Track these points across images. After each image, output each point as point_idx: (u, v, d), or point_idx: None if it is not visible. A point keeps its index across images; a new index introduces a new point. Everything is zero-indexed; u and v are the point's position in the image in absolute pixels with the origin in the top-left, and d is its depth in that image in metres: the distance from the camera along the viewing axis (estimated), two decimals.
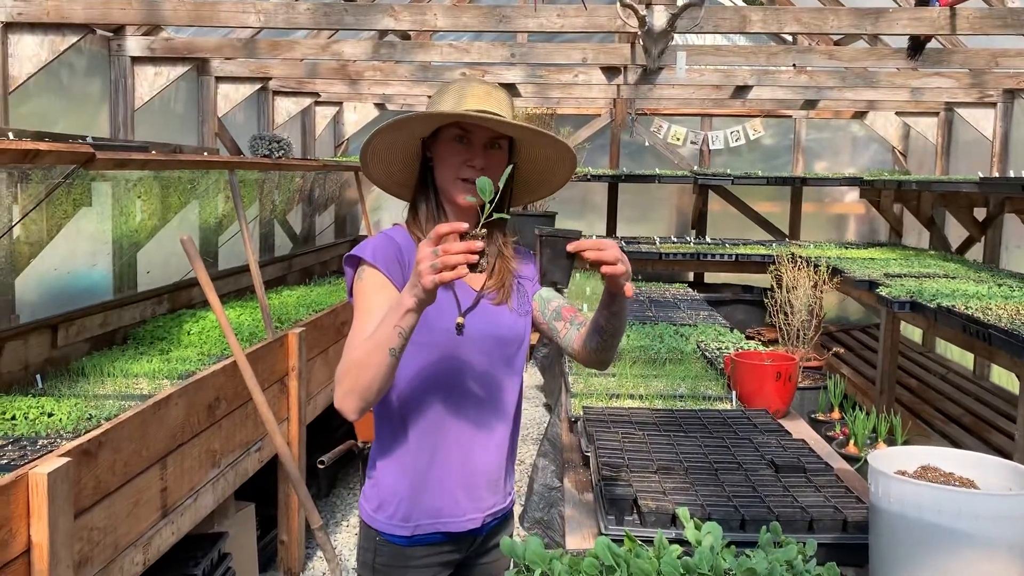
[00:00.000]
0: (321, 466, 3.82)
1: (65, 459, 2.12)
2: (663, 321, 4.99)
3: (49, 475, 2.03)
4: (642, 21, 3.39)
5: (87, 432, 2.75)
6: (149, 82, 4.75)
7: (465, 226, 1.51)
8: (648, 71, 5.30)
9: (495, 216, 1.61)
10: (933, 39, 4.08)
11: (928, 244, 7.67)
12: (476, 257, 1.50)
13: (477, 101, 1.80)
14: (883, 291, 5.03)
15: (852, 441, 5.04)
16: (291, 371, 3.79)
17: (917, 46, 3.88)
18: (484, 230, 1.56)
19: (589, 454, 2.73)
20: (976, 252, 6.99)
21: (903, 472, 1.84)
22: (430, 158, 1.88)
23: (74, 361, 4.01)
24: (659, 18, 3.36)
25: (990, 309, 4.23)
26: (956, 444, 5.11)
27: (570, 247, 1.63)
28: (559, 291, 1.85)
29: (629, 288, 1.66)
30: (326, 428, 4.68)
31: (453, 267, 1.48)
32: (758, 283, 8.54)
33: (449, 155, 1.82)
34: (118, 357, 4.14)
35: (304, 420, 3.95)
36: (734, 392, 3.38)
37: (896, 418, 4.91)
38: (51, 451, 2.55)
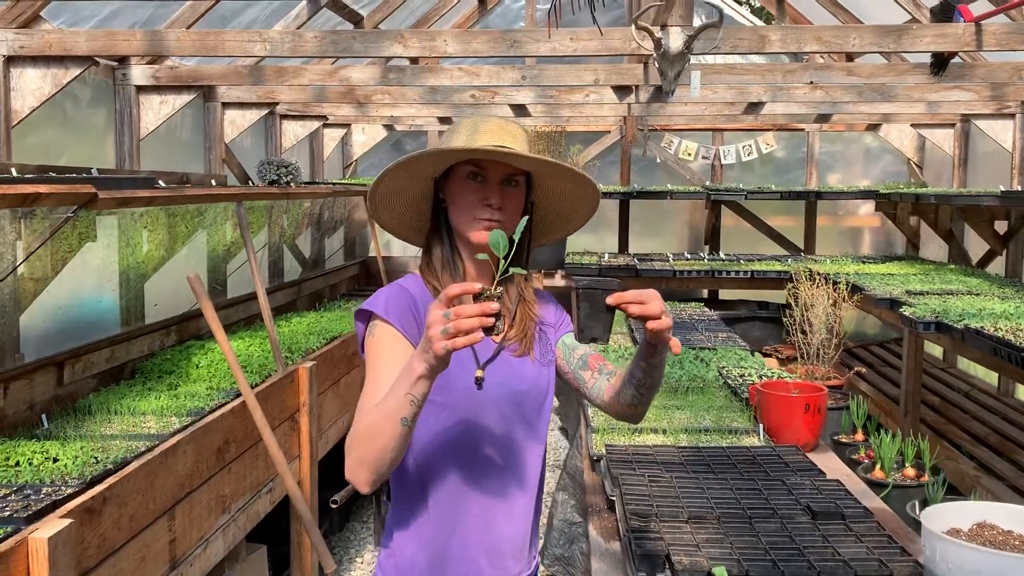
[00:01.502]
0: (334, 505, 3.70)
1: (67, 520, 2.02)
2: (682, 345, 4.87)
3: (50, 540, 1.93)
4: (658, 43, 3.30)
5: (92, 480, 2.66)
6: (155, 111, 4.68)
7: (478, 287, 1.40)
8: (660, 90, 5.20)
9: (511, 271, 1.51)
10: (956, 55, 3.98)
11: (947, 258, 7.53)
12: (492, 320, 1.39)
13: (491, 136, 1.70)
14: (907, 311, 4.90)
15: (878, 466, 4.90)
16: (302, 407, 3.69)
17: (941, 63, 3.77)
18: (500, 288, 1.44)
19: (614, 498, 2.62)
20: (997, 266, 6.85)
21: (957, 531, 1.73)
22: (443, 199, 1.78)
23: (80, 399, 3.93)
24: (675, 40, 3.26)
25: (1021, 330, 4.10)
26: (985, 467, 4.96)
27: (610, 300, 1.52)
28: (598, 347, 1.73)
29: (676, 343, 1.54)
30: (338, 461, 4.57)
31: (467, 332, 1.38)
32: (774, 299, 8.42)
33: (463, 194, 1.72)
34: (125, 393, 4.05)
35: (316, 457, 3.84)
36: (761, 425, 3.27)
37: (924, 442, 4.77)
38: (55, 500, 2.46)
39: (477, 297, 1.41)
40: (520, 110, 6.14)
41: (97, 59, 3.94)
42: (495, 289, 1.42)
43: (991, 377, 6.83)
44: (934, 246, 8.13)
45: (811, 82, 4.54)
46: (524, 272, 1.58)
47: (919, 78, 4.52)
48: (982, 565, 1.53)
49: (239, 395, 3.26)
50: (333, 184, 6.59)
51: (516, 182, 1.73)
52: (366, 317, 1.72)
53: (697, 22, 3.34)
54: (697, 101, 5.61)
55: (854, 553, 2.09)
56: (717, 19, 3.25)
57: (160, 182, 4.72)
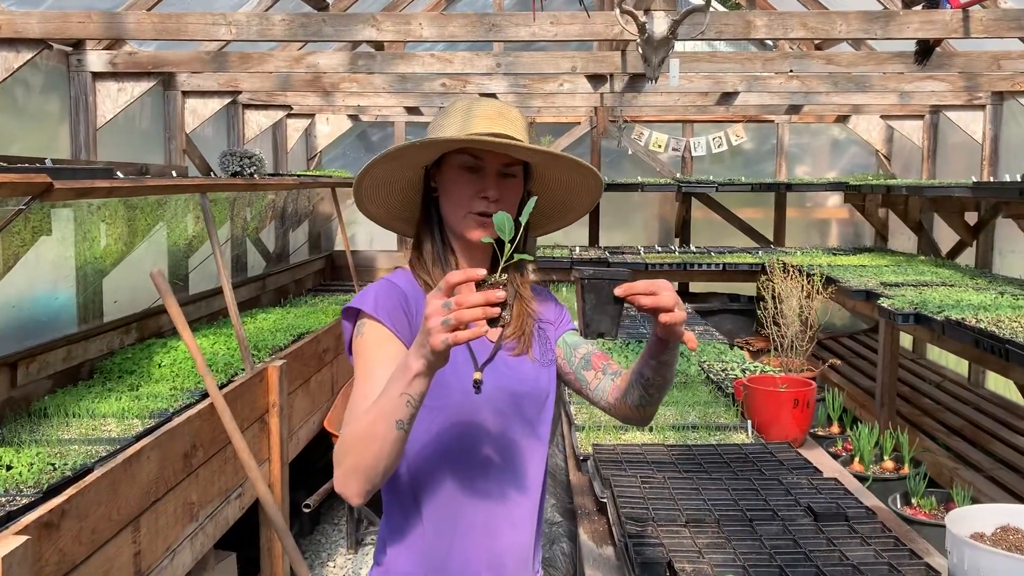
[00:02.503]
0: (307, 509, 3.56)
1: (22, 538, 1.86)
2: None
3: (4, 559, 1.77)
4: (642, 28, 3.19)
5: (49, 489, 2.49)
6: (112, 99, 4.47)
7: (482, 273, 1.27)
8: (635, 78, 5.10)
9: (516, 257, 1.38)
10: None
11: (917, 249, 7.55)
12: (497, 311, 1.26)
13: (488, 123, 1.58)
14: (884, 303, 4.86)
15: (857, 459, 4.86)
16: (272, 407, 3.53)
17: (926, 51, 3.71)
18: (505, 275, 1.31)
19: (605, 500, 2.51)
20: (967, 257, 6.87)
21: (981, 535, 1.64)
22: (434, 188, 1.65)
23: (36, 401, 3.73)
24: (660, 25, 3.16)
25: (1001, 321, 4.08)
26: (962, 459, 4.95)
27: (618, 291, 1.39)
28: (605, 342, 1.60)
29: (691, 338, 1.43)
30: (309, 462, 4.42)
31: (469, 324, 1.25)
32: (744, 291, 8.39)
33: (457, 186, 1.59)
34: (84, 395, 3.86)
35: (287, 459, 3.69)
36: (749, 421, 3.18)
37: (903, 435, 4.74)
38: (9, 512, 2.29)
39: (480, 285, 1.28)
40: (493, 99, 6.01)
41: (50, 42, 3.72)
42: (500, 276, 1.30)
43: (961, 367, 6.86)
44: (903, 237, 8.16)
45: (791, 71, 4.47)
46: (529, 258, 1.45)
47: (898, 67, 4.47)
48: (1013, 571, 1.44)
49: (204, 395, 3.10)
50: (299, 176, 6.40)
51: (514, 173, 1.61)
52: (354, 315, 1.59)
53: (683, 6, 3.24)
54: (671, 91, 5.52)
55: (862, 557, 2.00)
56: (703, 3, 3.15)
57: (119, 173, 4.52)
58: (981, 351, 4.00)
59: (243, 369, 3.66)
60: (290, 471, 3.89)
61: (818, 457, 3.07)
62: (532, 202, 1.41)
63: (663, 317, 1.40)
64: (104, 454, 3.06)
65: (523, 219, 1.39)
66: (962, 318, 4.17)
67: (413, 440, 1.57)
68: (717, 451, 2.81)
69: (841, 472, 2.79)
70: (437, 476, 1.57)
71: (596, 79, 5.03)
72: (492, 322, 1.29)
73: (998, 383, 6.37)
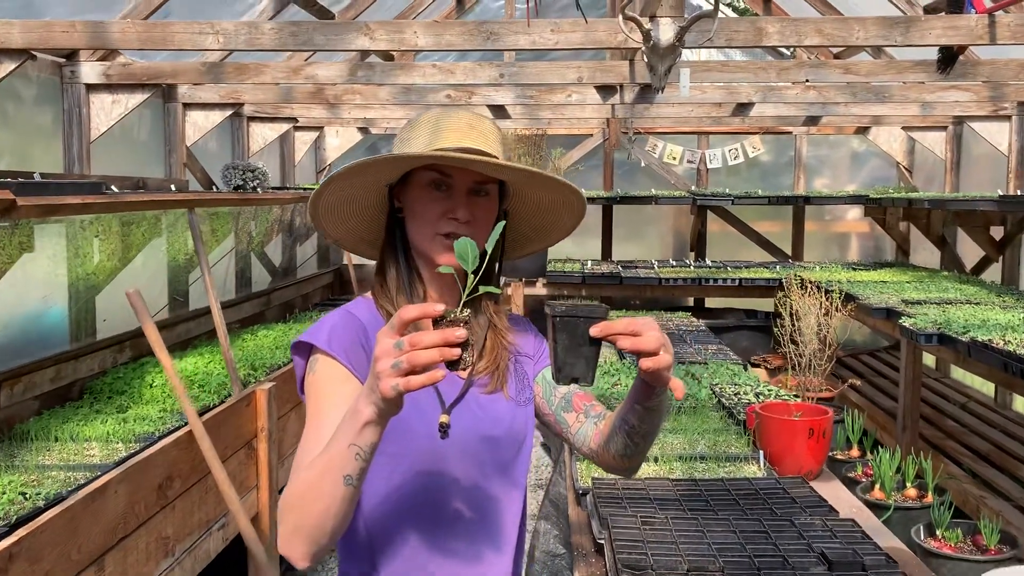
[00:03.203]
0: None
1: None
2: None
3: None
4: (647, 36, 3.02)
5: (17, 522, 2.34)
6: (106, 111, 4.36)
7: (439, 308, 1.12)
8: (646, 89, 4.94)
9: (481, 290, 1.21)
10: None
11: (940, 264, 7.31)
12: (457, 352, 1.11)
13: (457, 136, 1.41)
14: (906, 322, 4.65)
15: (878, 485, 4.64)
16: (260, 432, 3.38)
17: (949, 58, 3.53)
18: (468, 311, 1.15)
19: (603, 541, 2.33)
20: (993, 273, 6.63)
21: None
22: (399, 209, 1.49)
23: (19, 424, 3.60)
24: (666, 32, 2.99)
25: None
26: (988, 485, 4.72)
27: (594, 331, 1.22)
28: (580, 387, 1.43)
29: (679, 386, 1.26)
30: None
31: (424, 368, 1.09)
32: (761, 307, 8.17)
33: (424, 206, 1.43)
34: (70, 417, 3.73)
35: (276, 486, 3.53)
36: (761, 452, 2.99)
37: (927, 461, 4.52)
38: None
39: (439, 322, 1.12)
40: (499, 112, 5.86)
41: (34, 52, 3.61)
42: (461, 311, 1.14)
43: (987, 388, 6.61)
44: (925, 252, 7.92)
45: (807, 80, 4.29)
46: (496, 292, 1.29)
47: (920, 76, 4.28)
48: None
49: (186, 428, 2.94)
50: (302, 189, 6.27)
51: (486, 191, 1.44)
52: (306, 351, 1.43)
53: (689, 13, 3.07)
54: (684, 102, 5.35)
55: None
56: (711, 9, 2.98)
57: (112, 187, 4.40)
58: (1009, 375, 3.79)
59: (231, 392, 3.51)
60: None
61: (834, 492, 2.87)
62: (499, 228, 1.24)
63: (645, 363, 1.23)
64: (83, 481, 2.92)
65: (489, 246, 1.22)
66: (989, 339, 3.95)
67: (371, 492, 1.40)
68: (725, 486, 2.62)
69: (859, 509, 2.60)
70: (398, 533, 1.40)
71: (605, 89, 4.87)
72: (452, 365, 1.13)
73: None
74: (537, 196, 1.50)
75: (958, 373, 7.10)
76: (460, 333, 1.10)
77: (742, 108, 5.95)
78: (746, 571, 2.04)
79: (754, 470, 2.89)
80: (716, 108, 6.10)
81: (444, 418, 1.39)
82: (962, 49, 3.40)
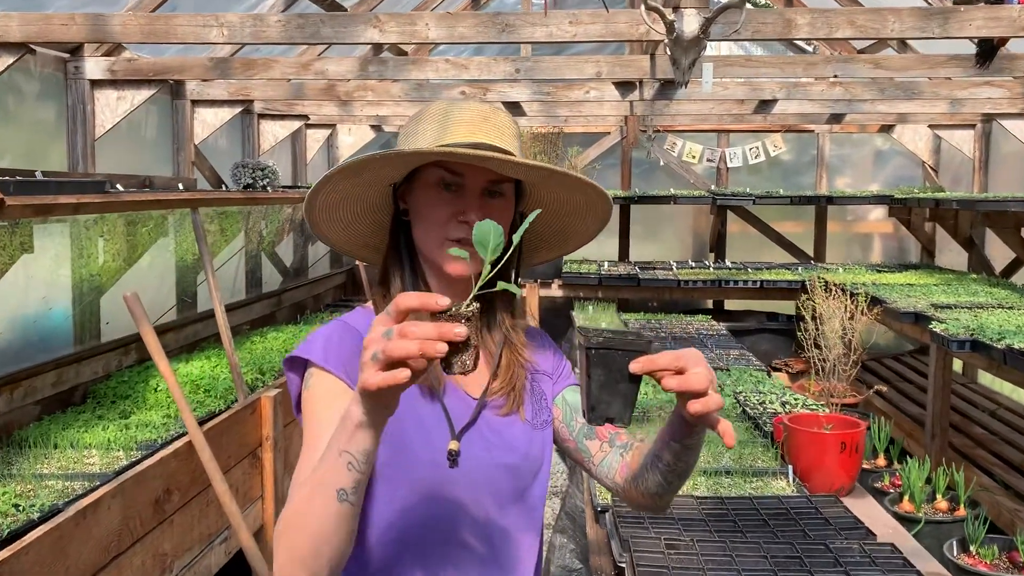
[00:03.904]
0: None
1: None
2: None
3: None
4: (670, 27, 2.87)
5: (9, 536, 2.22)
6: (111, 108, 4.24)
7: (443, 301, 0.95)
8: (666, 85, 4.78)
9: (499, 286, 1.06)
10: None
11: (967, 266, 7.11)
12: (444, 349, 0.93)
13: (468, 130, 1.27)
14: (937, 327, 4.47)
15: (907, 497, 4.46)
16: (265, 441, 3.25)
17: (988, 51, 3.36)
18: (475, 306, 0.98)
19: (624, 565, 2.18)
20: (1022, 275, 6.43)
21: None
22: (405, 211, 1.34)
23: (18, 430, 3.49)
24: (690, 23, 2.83)
25: None
26: (1022, 497, 4.53)
27: (635, 367, 1.06)
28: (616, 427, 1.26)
29: (729, 432, 1.09)
30: None
31: (404, 360, 0.93)
32: (782, 310, 7.99)
33: (431, 208, 1.28)
34: (71, 423, 3.61)
35: (281, 497, 3.40)
36: (790, 467, 2.83)
37: (959, 473, 4.34)
38: None
39: (439, 316, 0.96)
40: (515, 108, 5.71)
41: (33, 46, 3.49)
42: (467, 306, 0.98)
43: (1018, 394, 6.40)
44: (951, 253, 7.71)
45: (835, 76, 4.12)
46: (516, 291, 1.12)
47: (953, 71, 4.10)
48: None
49: (186, 438, 2.82)
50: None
51: (501, 191, 1.30)
52: (300, 367, 1.29)
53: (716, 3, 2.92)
54: (705, 98, 5.18)
55: None
56: (738, 0, 2.82)
57: (118, 186, 4.29)
58: None
59: (236, 400, 3.39)
60: None
61: (869, 510, 2.71)
62: (532, 216, 1.09)
63: (694, 407, 1.07)
64: (81, 491, 2.80)
65: (516, 237, 1.07)
66: None
67: (373, 524, 1.26)
68: (754, 505, 2.47)
69: (895, 530, 2.44)
70: (402, 568, 1.26)
71: (624, 86, 4.72)
72: (447, 366, 0.97)
73: None
74: (558, 197, 1.35)
75: (986, 379, 6.90)
76: (460, 331, 0.94)
77: (764, 105, 5.78)
78: None
79: (782, 486, 2.73)
80: (737, 105, 5.93)
81: (453, 445, 1.26)
82: (1003, 42, 3.24)
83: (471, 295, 1.00)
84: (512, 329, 1.38)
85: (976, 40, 3.34)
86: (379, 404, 0.99)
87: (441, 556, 1.27)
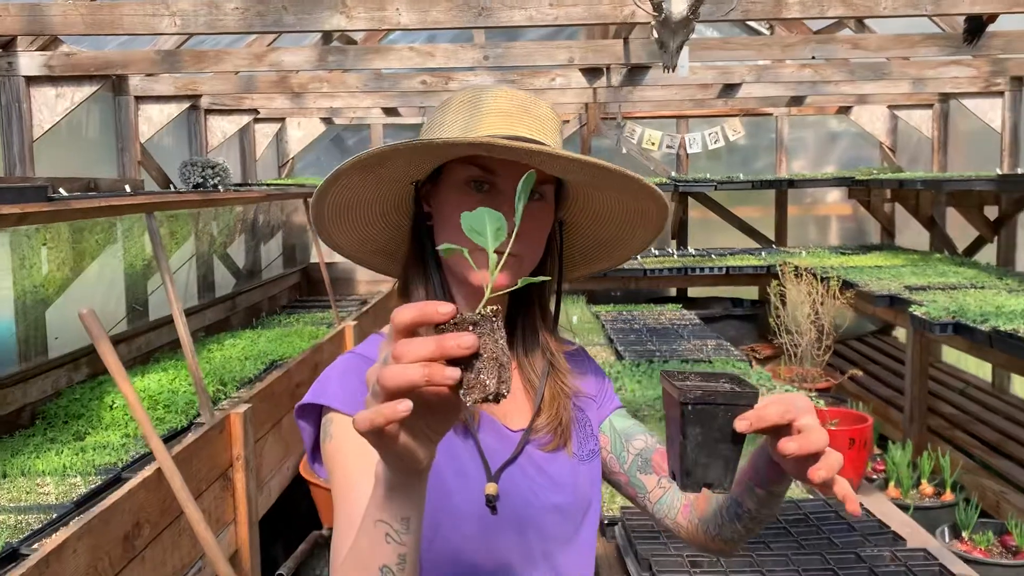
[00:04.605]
0: None
1: None
2: (671, 357, 4.32)
3: None
4: (658, 8, 2.72)
5: None
6: (50, 106, 3.95)
7: (446, 308, 0.75)
8: (635, 71, 4.63)
9: (521, 282, 0.84)
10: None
11: (929, 246, 7.13)
12: (455, 374, 0.72)
13: (506, 121, 1.09)
14: (917, 311, 4.41)
15: (892, 482, 4.41)
16: (236, 461, 3.03)
17: (977, 28, 3.28)
18: (487, 309, 0.76)
19: None
20: (986, 254, 6.45)
21: None
22: (428, 214, 1.16)
23: None
24: (678, 4, 2.68)
25: None
26: (1005, 478, 4.51)
27: (742, 427, 0.89)
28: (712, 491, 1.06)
29: (851, 496, 0.92)
30: (283, 518, 3.91)
31: (405, 390, 0.71)
32: (747, 295, 7.95)
33: (460, 211, 1.09)
34: (21, 448, 3.35)
35: (255, 518, 3.19)
36: None
37: (945, 458, 4.30)
38: None
39: (442, 328, 0.74)
40: None
41: None
42: (482, 310, 0.76)
43: (983, 371, 6.44)
44: (911, 233, 7.74)
45: (813, 57, 4.02)
46: (544, 279, 0.94)
47: (932, 49, 4.03)
48: None
49: (155, 466, 2.59)
50: (267, 186, 5.88)
51: (541, 194, 1.11)
52: (315, 415, 1.09)
53: None
54: (671, 84, 5.06)
55: None
56: None
57: (61, 190, 4.00)
58: None
59: (201, 419, 3.15)
60: (263, 525, 3.40)
61: (882, 508, 2.60)
62: (527, 179, 0.85)
63: (817, 473, 0.89)
64: (38, 525, 2.56)
65: (518, 203, 0.85)
66: (1014, 329, 3.73)
67: None
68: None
69: (914, 529, 2.33)
70: None
71: (592, 72, 4.56)
72: (466, 391, 0.74)
73: None
74: (606, 203, 1.17)
75: (951, 357, 6.93)
76: (465, 341, 0.72)
77: (729, 89, 5.68)
78: None
79: (793, 487, 2.61)
80: (702, 90, 5.82)
81: (491, 488, 1.08)
82: (992, 18, 3.16)
83: (487, 292, 0.79)
84: (555, 354, 1.20)
85: (965, 17, 3.26)
86: (392, 453, 0.77)
87: None
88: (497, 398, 0.74)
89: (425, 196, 1.15)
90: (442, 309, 0.74)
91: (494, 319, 0.75)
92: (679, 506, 1.19)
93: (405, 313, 0.74)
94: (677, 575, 1.96)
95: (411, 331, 0.75)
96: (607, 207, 1.18)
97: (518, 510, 1.11)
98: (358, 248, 1.22)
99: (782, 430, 0.91)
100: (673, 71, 2.88)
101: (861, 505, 2.40)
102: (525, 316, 1.20)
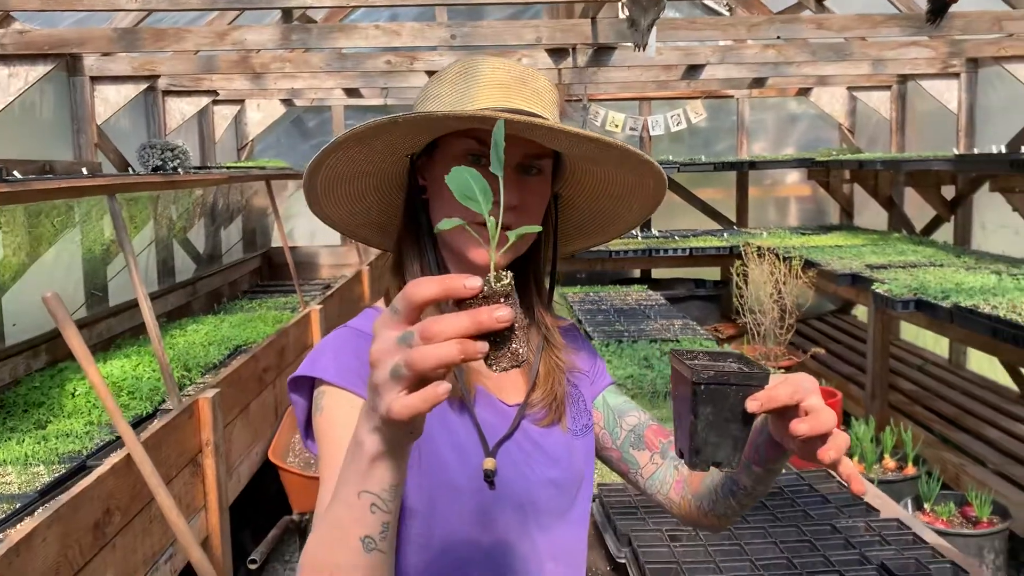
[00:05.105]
0: (252, 566, 3.03)
1: None
2: (640, 337, 4.34)
3: None
4: None
5: None
6: (2, 86, 3.83)
7: (475, 282, 0.71)
8: (600, 51, 4.62)
9: (511, 238, 0.82)
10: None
11: (888, 225, 7.25)
12: (485, 349, 0.70)
13: (503, 93, 1.07)
14: (880, 288, 4.48)
15: (856, 458, 4.49)
16: (205, 447, 2.98)
17: (941, 8, 3.31)
18: (509, 275, 0.74)
19: (623, 561, 2.04)
20: (943, 233, 6.58)
21: None
22: (423, 188, 1.14)
23: None
24: None
25: (1017, 307, 3.72)
26: (963, 451, 4.62)
27: (753, 407, 0.89)
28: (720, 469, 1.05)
29: (856, 476, 0.90)
30: (252, 504, 3.87)
31: (438, 367, 0.69)
32: (709, 276, 8.02)
33: None
34: None
35: (226, 503, 3.15)
36: None
37: (907, 432, 4.39)
38: None
39: (464, 304, 0.72)
40: None
41: None
42: (499, 280, 0.73)
43: (940, 347, 6.58)
44: (869, 214, 7.86)
45: (777, 37, 4.04)
46: (536, 229, 0.85)
47: (894, 30, 4.08)
48: None
49: (124, 452, 2.54)
50: (228, 168, 5.78)
51: (539, 168, 1.10)
52: (307, 387, 1.07)
53: None
54: (636, 65, 5.06)
55: None
56: None
57: (15, 172, 3.89)
58: (999, 342, 3.64)
59: (169, 404, 3.10)
60: (233, 512, 3.35)
61: None
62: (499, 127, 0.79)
63: (827, 453, 0.88)
64: (2, 516, 2.50)
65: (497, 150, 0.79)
66: (974, 305, 3.81)
67: (399, 560, 1.07)
68: None
69: (895, 507, 2.36)
70: None
71: (558, 53, 4.54)
72: (494, 361, 0.73)
73: (980, 364, 6.09)
74: (604, 177, 1.16)
75: (909, 334, 7.07)
76: (502, 313, 0.70)
77: (693, 71, 5.70)
78: None
79: None
80: (665, 71, 5.83)
81: (489, 463, 1.07)
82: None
83: (492, 258, 0.77)
84: (550, 329, 1.19)
85: None
86: (404, 431, 0.76)
87: None
88: (520, 364, 0.73)
89: (420, 169, 1.13)
90: (469, 284, 0.71)
91: (511, 287, 0.73)
92: (671, 482, 1.19)
93: (426, 288, 0.71)
94: (657, 549, 1.97)
95: (423, 309, 0.72)
96: (604, 182, 1.17)
97: (514, 484, 1.10)
98: (350, 220, 1.20)
99: (788, 410, 0.91)
100: (644, 50, 2.88)
101: (835, 480, 2.44)
102: (521, 292, 1.19)
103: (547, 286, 1.21)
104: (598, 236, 1.26)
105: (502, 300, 0.72)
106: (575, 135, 1.00)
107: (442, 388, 0.70)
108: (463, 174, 0.80)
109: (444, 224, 0.80)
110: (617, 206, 1.20)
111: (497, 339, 0.72)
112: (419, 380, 0.70)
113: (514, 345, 0.73)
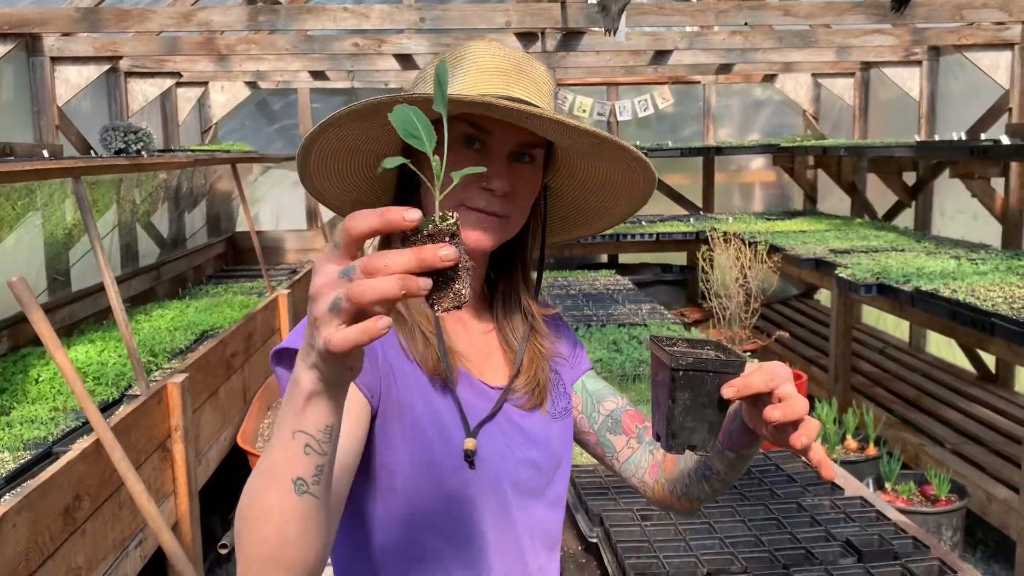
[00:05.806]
0: (223, 551, 3.02)
1: None
2: (608, 322, 4.38)
3: None
4: None
5: None
6: None
7: (414, 214, 0.69)
8: (570, 36, 4.63)
9: (454, 178, 0.80)
10: None
11: (850, 211, 7.36)
12: (427, 284, 0.70)
13: (502, 81, 1.07)
14: (843, 273, 4.56)
15: (819, 439, 4.58)
16: (174, 432, 2.96)
17: None
18: (453, 217, 0.74)
19: (595, 540, 2.07)
20: (904, 219, 6.70)
21: None
22: (416, 172, 1.14)
23: None
24: None
25: (976, 291, 3.81)
26: (922, 431, 4.73)
27: (729, 393, 0.92)
28: (696, 452, 1.07)
29: (826, 461, 0.93)
30: (221, 488, 3.85)
31: (378, 304, 0.69)
32: (675, 261, 8.10)
33: (449, 168, 1.08)
34: None
35: (195, 488, 3.14)
36: None
37: (869, 414, 4.48)
38: None
39: (410, 238, 0.73)
40: (409, 62, 5.44)
41: None
42: (444, 219, 0.73)
43: (901, 331, 6.71)
44: (833, 200, 7.97)
45: (745, 23, 4.08)
46: (481, 170, 0.81)
47: (858, 18, 4.13)
48: None
49: (93, 437, 2.52)
50: (193, 151, 5.71)
51: (532, 157, 1.11)
52: (290, 360, 1.08)
53: None
54: (605, 50, 5.07)
55: None
56: None
57: None
58: (957, 324, 3.73)
59: (136, 389, 3.07)
60: (202, 496, 3.34)
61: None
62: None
63: (799, 440, 0.91)
64: None
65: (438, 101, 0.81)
66: (935, 289, 3.89)
67: (384, 542, 1.08)
68: None
69: (858, 486, 2.42)
70: None
71: (527, 37, 4.54)
72: (435, 302, 0.73)
73: (939, 347, 6.23)
74: (594, 170, 1.17)
75: (870, 317, 7.20)
76: (447, 252, 0.70)
77: (660, 56, 5.72)
78: (772, 570, 1.82)
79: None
80: (633, 56, 5.86)
81: (470, 443, 1.08)
82: None
83: (436, 197, 0.77)
84: (536, 317, 1.21)
85: None
86: (342, 366, 0.75)
87: (460, 565, 1.11)
88: (461, 306, 0.74)
89: (413, 153, 1.14)
90: (408, 215, 0.69)
91: (457, 227, 0.73)
92: (646, 466, 1.22)
93: (365, 220, 0.70)
94: (628, 528, 2.00)
95: (363, 241, 0.72)
96: (594, 175, 1.18)
97: (495, 464, 1.12)
98: (342, 196, 1.21)
99: (762, 398, 0.93)
100: (615, 35, 2.89)
101: (800, 460, 2.49)
102: (507, 280, 1.20)
103: (533, 276, 1.23)
104: (583, 229, 1.28)
105: (447, 240, 0.72)
106: (571, 127, 1.01)
107: (382, 322, 0.69)
108: (407, 112, 0.79)
109: (388, 162, 0.77)
110: (604, 201, 1.21)
111: (441, 279, 0.73)
112: (359, 314, 0.70)
113: (457, 285, 0.73)
